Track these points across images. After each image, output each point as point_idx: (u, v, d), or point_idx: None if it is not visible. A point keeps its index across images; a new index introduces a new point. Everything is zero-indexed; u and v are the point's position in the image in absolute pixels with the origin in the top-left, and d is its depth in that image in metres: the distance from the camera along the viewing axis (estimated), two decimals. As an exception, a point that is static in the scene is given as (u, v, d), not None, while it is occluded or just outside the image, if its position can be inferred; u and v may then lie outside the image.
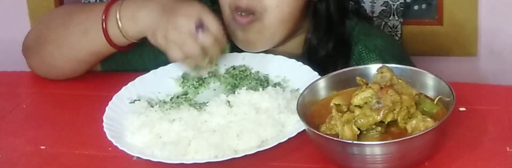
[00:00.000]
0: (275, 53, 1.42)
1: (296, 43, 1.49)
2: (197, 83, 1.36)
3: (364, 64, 1.46)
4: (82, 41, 1.37)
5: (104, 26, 1.34)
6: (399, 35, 1.99)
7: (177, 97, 1.33)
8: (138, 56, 1.45)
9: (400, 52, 1.56)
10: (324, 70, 1.33)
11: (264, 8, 1.37)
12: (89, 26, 1.35)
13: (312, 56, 1.47)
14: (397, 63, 1.45)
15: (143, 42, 1.35)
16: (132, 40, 1.35)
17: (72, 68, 1.43)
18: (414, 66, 1.51)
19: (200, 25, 1.24)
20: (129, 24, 1.32)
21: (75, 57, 1.40)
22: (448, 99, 1.14)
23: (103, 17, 1.33)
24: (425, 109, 1.14)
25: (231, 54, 1.41)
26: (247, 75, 1.36)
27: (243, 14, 1.38)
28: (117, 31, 1.33)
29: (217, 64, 1.32)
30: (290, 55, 1.41)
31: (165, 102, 1.32)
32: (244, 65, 1.39)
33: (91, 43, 1.36)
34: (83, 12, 1.39)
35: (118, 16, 1.32)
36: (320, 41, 1.47)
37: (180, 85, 1.37)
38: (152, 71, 1.40)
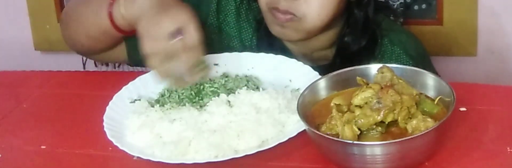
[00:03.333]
0: (306, 44, 1.46)
1: (329, 35, 1.51)
2: (198, 83, 1.36)
3: (387, 57, 1.50)
4: (94, 20, 1.39)
5: (109, 8, 1.35)
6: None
7: (178, 97, 1.33)
8: None
9: (422, 49, 1.59)
10: (349, 62, 1.33)
11: (303, 15, 1.39)
12: (100, 6, 1.37)
13: (343, 51, 1.51)
14: (419, 59, 1.51)
15: None
16: (130, 24, 1.34)
17: (90, 44, 1.45)
18: (432, 65, 1.55)
19: (178, 33, 1.23)
20: (128, 6, 1.33)
21: (90, 34, 1.42)
22: (449, 99, 1.13)
23: None
24: (425, 109, 1.14)
25: (233, 53, 1.41)
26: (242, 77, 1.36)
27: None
28: (119, 13, 1.34)
29: (201, 78, 1.29)
30: (320, 47, 1.47)
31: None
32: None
33: (101, 23, 1.38)
34: None
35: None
36: (355, 38, 1.50)
37: (180, 85, 1.37)
38: (152, 71, 1.39)
